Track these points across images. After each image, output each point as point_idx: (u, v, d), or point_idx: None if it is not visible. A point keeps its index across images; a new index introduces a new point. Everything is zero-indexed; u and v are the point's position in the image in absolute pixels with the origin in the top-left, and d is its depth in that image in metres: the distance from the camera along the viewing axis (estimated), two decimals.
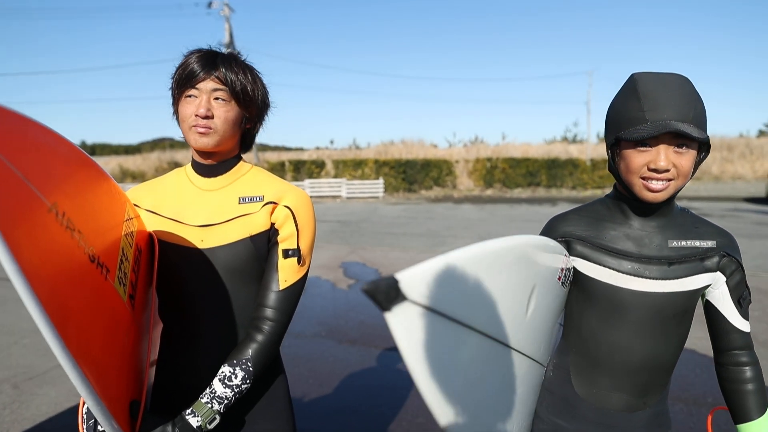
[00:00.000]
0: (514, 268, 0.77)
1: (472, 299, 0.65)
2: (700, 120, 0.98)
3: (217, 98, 1.14)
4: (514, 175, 24.99)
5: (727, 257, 1.10)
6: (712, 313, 1.14)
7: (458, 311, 0.60)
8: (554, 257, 1.00)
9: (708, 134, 1.00)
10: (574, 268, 1.15)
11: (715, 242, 1.10)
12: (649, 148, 0.99)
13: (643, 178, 1.01)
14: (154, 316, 1.23)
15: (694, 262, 1.08)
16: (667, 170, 0.98)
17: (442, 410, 0.59)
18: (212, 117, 1.14)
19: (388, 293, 0.48)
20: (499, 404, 0.84)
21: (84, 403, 1.08)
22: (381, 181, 23.47)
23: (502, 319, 0.76)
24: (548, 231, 1.20)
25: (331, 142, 41.80)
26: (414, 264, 0.55)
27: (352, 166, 24.91)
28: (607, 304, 1.10)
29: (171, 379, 1.20)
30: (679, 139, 0.97)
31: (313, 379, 3.57)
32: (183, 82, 1.13)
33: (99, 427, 1.03)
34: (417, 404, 3.17)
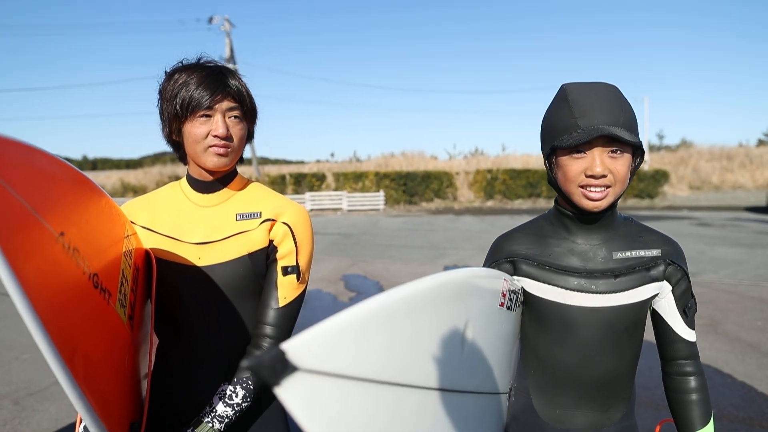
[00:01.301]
0: (437, 309, 0.70)
1: (389, 353, 0.57)
2: (631, 125, 0.99)
3: (232, 116, 1.13)
4: (514, 187, 24.99)
5: (672, 265, 1.09)
6: (658, 322, 1.14)
7: (368, 369, 0.53)
8: (490, 284, 0.95)
9: (640, 140, 1.01)
10: (523, 289, 1.13)
11: (660, 251, 1.09)
12: (584, 155, 1.00)
13: (582, 187, 1.01)
14: (151, 333, 1.22)
15: (640, 273, 1.07)
16: (604, 176, 0.99)
17: None
18: (231, 138, 1.13)
19: (273, 368, 0.42)
20: None
21: (81, 422, 1.06)
22: (382, 193, 23.49)
23: (433, 365, 0.69)
24: (494, 251, 1.18)
25: (332, 155, 41.98)
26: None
27: (352, 179, 24.94)
28: (557, 322, 1.09)
29: (167, 396, 1.19)
30: (612, 144, 0.98)
31: None
32: (196, 104, 1.09)
33: None
34: None
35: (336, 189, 24.98)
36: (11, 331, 5.22)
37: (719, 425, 2.98)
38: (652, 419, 3.02)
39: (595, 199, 1.00)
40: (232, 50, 24.80)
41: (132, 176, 31.00)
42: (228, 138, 1.12)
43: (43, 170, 0.73)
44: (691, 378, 1.12)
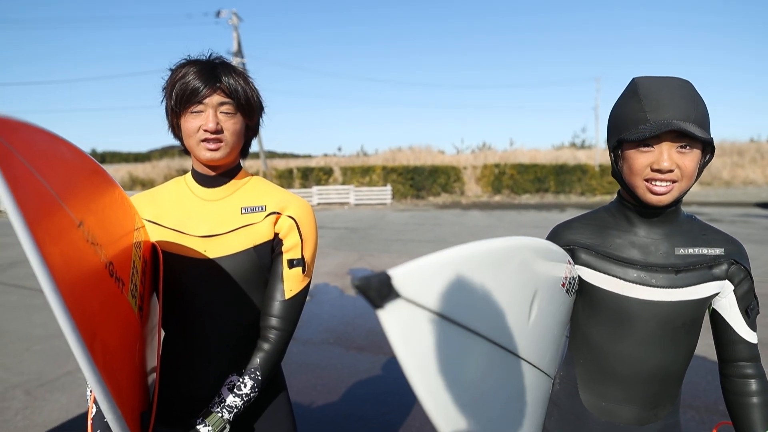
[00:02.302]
0: (516, 270, 0.73)
1: (473, 301, 0.61)
2: (703, 121, 0.98)
3: (223, 112, 1.14)
4: (522, 181, 24.91)
5: (735, 265, 1.08)
6: (718, 322, 1.12)
7: (459, 314, 0.56)
8: (557, 263, 0.98)
9: (711, 137, 0.99)
10: (579, 277, 1.13)
11: (723, 249, 1.08)
12: (652, 149, 0.99)
13: (647, 180, 1.00)
14: (159, 326, 1.24)
15: (702, 270, 1.06)
16: (671, 170, 0.98)
17: (443, 420, 0.55)
18: (221, 131, 1.13)
19: (380, 290, 0.45)
20: (507, 417, 0.81)
21: (91, 413, 1.08)
22: (389, 187, 23.48)
23: (506, 325, 0.72)
24: (553, 238, 1.18)
25: (339, 149, 41.90)
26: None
27: (360, 173, 24.95)
28: (613, 313, 1.08)
29: (174, 388, 1.20)
30: (681, 139, 0.97)
31: (321, 386, 3.57)
32: (188, 98, 1.11)
33: None
34: (425, 413, 3.16)
35: (343, 183, 25.00)
36: (23, 322, 5.29)
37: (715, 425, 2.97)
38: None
39: (659, 193, 1.00)
40: (239, 44, 24.80)
41: (140, 169, 31.17)
42: (218, 132, 1.13)
43: (66, 159, 0.75)
44: (752, 381, 1.10)
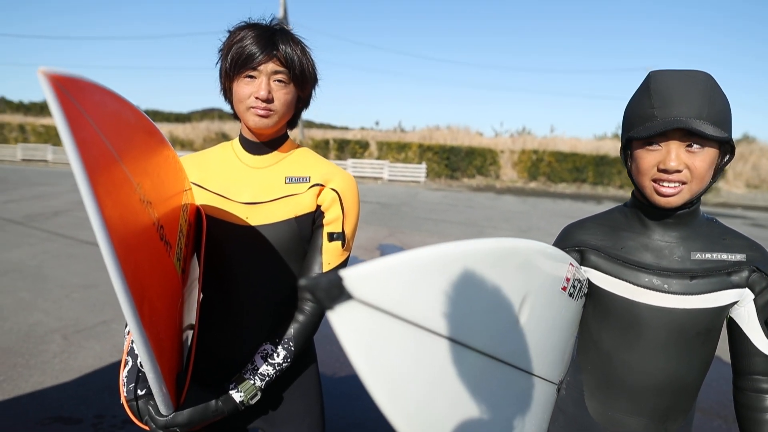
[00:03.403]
0: (493, 271, 0.69)
1: (438, 302, 0.58)
2: (718, 118, 0.91)
3: (277, 80, 1.13)
4: (559, 170, 24.37)
5: (757, 272, 1.01)
6: (735, 332, 1.06)
7: (419, 314, 0.54)
8: (555, 265, 0.93)
9: (729, 134, 0.93)
10: (589, 280, 1.08)
11: (744, 255, 1.01)
12: (659, 147, 0.94)
13: (654, 181, 0.96)
14: (199, 288, 1.26)
15: (720, 277, 1.00)
16: (679, 171, 0.93)
17: (407, 426, 0.53)
18: (272, 100, 1.12)
19: (329, 291, 0.44)
20: (492, 422, 0.78)
21: (124, 366, 1.11)
22: (424, 165, 23.34)
23: (485, 329, 0.68)
24: (563, 238, 1.15)
25: (377, 123, 41.75)
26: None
27: (395, 149, 24.83)
28: (623, 320, 1.04)
29: (210, 351, 1.23)
30: (690, 138, 0.92)
31: (344, 358, 3.62)
32: (242, 63, 1.10)
33: (139, 392, 1.06)
34: None
35: (378, 158, 24.95)
36: (64, 270, 5.51)
37: None
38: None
39: (666, 194, 0.95)
40: (285, 10, 24.74)
41: (180, 130, 31.70)
42: (269, 101, 1.12)
43: (128, 121, 0.76)
44: (767, 396, 1.04)
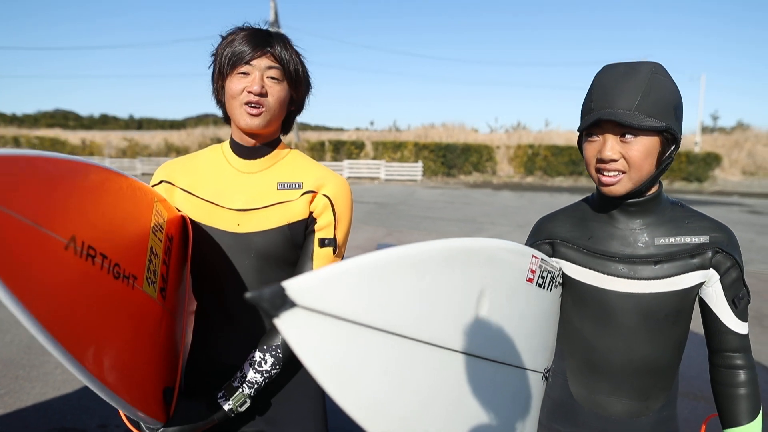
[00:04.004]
0: (444, 270, 0.71)
1: (390, 304, 0.60)
2: (652, 109, 0.95)
3: (270, 77, 1.13)
4: (556, 163, 24.39)
5: (721, 253, 1.04)
6: (705, 311, 1.09)
7: (369, 316, 0.56)
8: (515, 257, 0.93)
9: (669, 124, 0.96)
10: (562, 271, 1.12)
11: (707, 237, 1.04)
12: (597, 139, 1.00)
13: (598, 171, 1.01)
14: (188, 295, 1.24)
15: (683, 260, 1.03)
16: (614, 160, 0.98)
17: (367, 419, 0.56)
18: (266, 95, 1.12)
19: (273, 301, 0.46)
20: (469, 412, 0.80)
21: None
22: (420, 164, 23.36)
23: (442, 324, 0.70)
24: (535, 232, 1.19)
25: (371, 123, 41.80)
26: None
27: (391, 148, 24.84)
28: (596, 307, 1.08)
29: (205, 359, 1.22)
30: (623, 128, 0.96)
31: None
32: (236, 58, 1.11)
33: None
34: None
35: (374, 158, 24.96)
36: None
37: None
38: (687, 410, 2.96)
39: (607, 183, 1.01)
40: (276, 14, 24.72)
41: (175, 137, 31.67)
42: (263, 95, 1.11)
43: (44, 177, 0.69)
44: (741, 371, 1.08)
